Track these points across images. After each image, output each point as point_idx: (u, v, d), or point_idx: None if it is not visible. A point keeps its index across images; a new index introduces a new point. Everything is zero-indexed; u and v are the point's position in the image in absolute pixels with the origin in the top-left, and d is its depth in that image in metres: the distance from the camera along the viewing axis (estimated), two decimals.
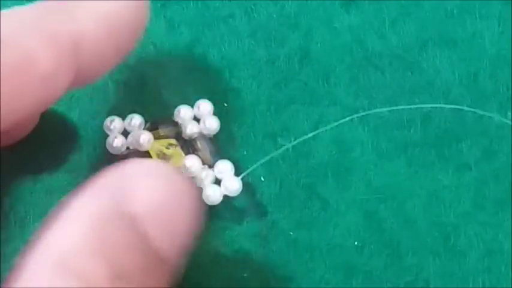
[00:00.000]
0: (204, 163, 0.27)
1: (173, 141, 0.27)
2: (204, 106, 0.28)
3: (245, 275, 0.26)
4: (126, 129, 0.28)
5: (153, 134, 0.27)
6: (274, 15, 0.29)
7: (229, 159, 0.27)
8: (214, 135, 0.28)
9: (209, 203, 0.27)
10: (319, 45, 0.29)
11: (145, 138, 0.27)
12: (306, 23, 0.29)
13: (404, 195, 0.27)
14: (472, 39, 0.29)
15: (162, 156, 0.27)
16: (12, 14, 0.21)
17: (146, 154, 0.27)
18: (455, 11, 0.29)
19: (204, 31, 0.29)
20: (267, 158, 0.27)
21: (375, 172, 0.27)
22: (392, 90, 0.28)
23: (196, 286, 0.26)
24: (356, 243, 0.27)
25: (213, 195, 0.27)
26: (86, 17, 0.21)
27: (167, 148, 0.27)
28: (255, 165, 0.27)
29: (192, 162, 0.27)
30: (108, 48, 0.22)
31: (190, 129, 0.28)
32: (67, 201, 0.20)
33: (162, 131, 0.27)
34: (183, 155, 0.27)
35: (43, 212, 0.24)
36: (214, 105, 0.28)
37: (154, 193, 0.20)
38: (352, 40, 0.29)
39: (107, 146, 0.27)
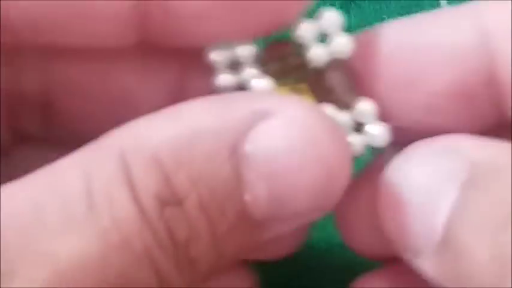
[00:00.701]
0: (339, 105, 0.21)
1: (302, 85, 0.21)
2: (331, 17, 0.21)
3: None
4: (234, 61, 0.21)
5: (271, 72, 0.20)
6: None
7: None
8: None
9: None
10: None
11: (262, 85, 0.20)
12: None
13: None
14: None
15: None
16: None
17: None
18: None
19: None
20: None
21: None
22: None
23: None
24: None
25: (353, 146, 0.21)
26: None
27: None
28: None
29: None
30: None
31: (317, 54, 0.20)
32: None
33: (279, 64, 0.21)
34: (315, 103, 0.21)
35: None
36: None
37: (277, 141, 0.18)
38: None
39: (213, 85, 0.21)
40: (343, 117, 0.20)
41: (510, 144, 0.19)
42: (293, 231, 0.19)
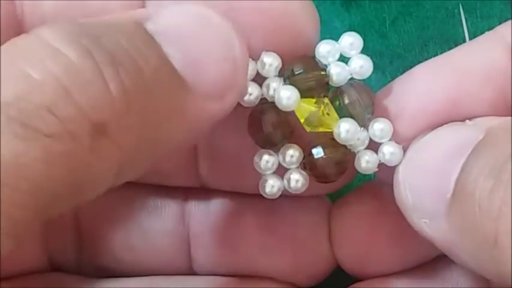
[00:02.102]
0: (357, 122, 0.21)
1: (325, 99, 0.21)
2: (350, 40, 0.22)
3: None
4: (259, 73, 0.21)
5: (296, 84, 0.21)
6: None
7: None
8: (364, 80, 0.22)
9: (362, 172, 0.22)
10: None
11: (287, 96, 0.21)
12: None
13: None
14: (473, 38, 0.29)
15: (313, 119, 0.21)
16: None
17: (286, 112, 0.21)
18: (456, 11, 0.29)
19: None
20: None
21: None
22: None
23: None
24: None
25: (367, 163, 0.22)
26: None
27: (319, 109, 0.21)
28: None
29: (347, 127, 0.21)
30: None
31: (337, 73, 0.21)
32: None
33: (301, 78, 0.21)
34: (337, 117, 0.21)
35: None
36: None
37: (175, 17, 0.19)
38: None
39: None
40: (360, 135, 0.21)
41: None
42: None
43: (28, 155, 0.16)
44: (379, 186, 0.24)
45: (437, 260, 0.24)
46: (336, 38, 0.27)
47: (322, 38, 0.30)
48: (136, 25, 0.19)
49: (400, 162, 0.21)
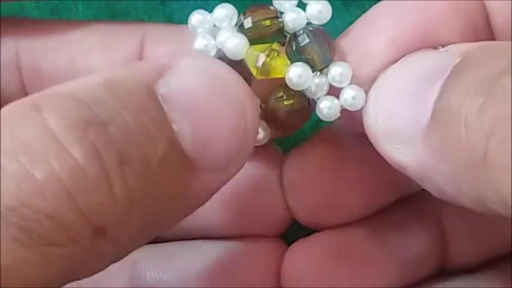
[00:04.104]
0: (314, 68, 0.21)
1: (275, 45, 0.21)
2: None
3: None
4: (215, 25, 0.21)
5: (248, 34, 0.21)
6: None
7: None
8: (324, 26, 0.21)
9: (324, 119, 0.21)
10: None
11: (236, 43, 0.20)
12: None
13: None
14: None
15: (261, 66, 0.20)
16: None
17: (239, 62, 0.21)
18: None
19: None
20: None
21: None
22: None
23: None
24: None
25: (328, 109, 0.21)
26: None
27: (268, 55, 0.21)
28: None
29: (298, 72, 0.20)
30: None
31: (293, 18, 0.21)
32: None
33: (255, 25, 0.21)
34: (288, 62, 0.21)
35: None
36: None
37: (187, 80, 0.19)
38: None
39: (192, 49, 0.21)
40: (318, 80, 0.21)
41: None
42: None
43: (27, 261, 0.16)
44: (334, 133, 0.23)
45: (393, 208, 0.24)
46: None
47: None
48: (148, 94, 0.18)
49: (363, 106, 0.20)
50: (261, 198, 0.24)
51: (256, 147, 0.21)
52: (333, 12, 0.23)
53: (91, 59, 0.23)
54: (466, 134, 0.17)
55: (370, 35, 0.21)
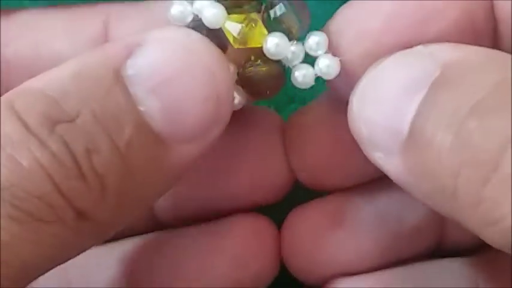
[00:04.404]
0: (291, 37, 0.21)
1: (253, 14, 0.21)
2: None
3: None
4: None
5: (225, 3, 0.21)
6: None
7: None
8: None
9: (299, 86, 0.22)
10: None
11: (213, 13, 0.21)
12: None
13: None
14: None
15: (239, 36, 0.21)
16: None
17: (216, 30, 0.21)
18: None
19: None
20: None
21: None
22: None
23: None
24: None
25: (303, 76, 0.21)
26: None
27: (246, 25, 0.21)
28: None
29: (275, 41, 0.21)
30: None
31: None
32: None
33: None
34: (265, 32, 0.21)
35: None
36: None
37: (154, 57, 0.19)
38: None
39: (168, 15, 0.21)
40: (294, 48, 0.21)
41: (481, 48, 0.19)
42: None
43: (22, 237, 0.17)
44: (335, 99, 0.23)
45: None
46: None
47: None
48: (114, 79, 0.19)
49: (336, 75, 0.21)
50: (264, 161, 0.25)
51: (256, 115, 0.22)
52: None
53: (56, 44, 0.23)
54: (440, 166, 0.18)
55: (368, 14, 0.21)
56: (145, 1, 0.24)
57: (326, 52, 0.21)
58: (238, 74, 0.22)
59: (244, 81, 0.22)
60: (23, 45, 0.23)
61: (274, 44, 0.21)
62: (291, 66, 0.22)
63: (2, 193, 0.17)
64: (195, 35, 0.20)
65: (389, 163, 0.20)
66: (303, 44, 0.21)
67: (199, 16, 0.21)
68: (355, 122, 0.20)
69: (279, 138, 0.25)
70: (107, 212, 0.19)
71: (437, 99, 0.18)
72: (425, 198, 0.19)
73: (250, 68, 0.22)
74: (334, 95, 0.23)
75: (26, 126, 0.18)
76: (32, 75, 0.21)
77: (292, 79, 0.22)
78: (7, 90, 0.20)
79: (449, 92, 0.18)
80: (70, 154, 0.18)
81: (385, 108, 0.19)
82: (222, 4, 0.21)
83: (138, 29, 0.22)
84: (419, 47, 0.20)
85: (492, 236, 0.17)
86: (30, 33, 0.23)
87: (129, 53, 0.19)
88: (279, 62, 0.22)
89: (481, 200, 0.17)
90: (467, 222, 0.18)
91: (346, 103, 0.21)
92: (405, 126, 0.19)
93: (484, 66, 0.19)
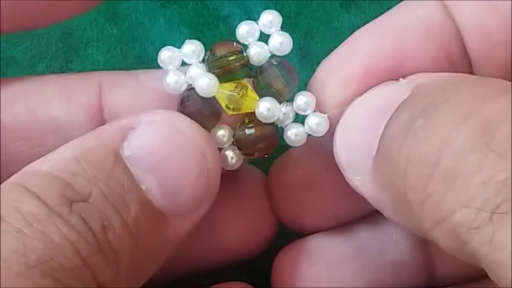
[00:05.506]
0: (281, 98, 0.22)
1: (244, 81, 0.22)
2: (269, 18, 0.22)
3: None
4: (184, 61, 0.22)
5: (215, 71, 0.22)
6: None
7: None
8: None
9: (292, 145, 0.23)
10: (319, 45, 0.28)
11: (206, 82, 0.22)
12: (306, 23, 0.29)
13: None
14: None
15: (231, 105, 0.22)
16: None
17: (210, 98, 0.22)
18: None
19: (204, 31, 0.29)
20: None
21: None
22: None
23: None
24: None
25: (295, 135, 0.22)
26: None
27: (237, 93, 0.22)
28: None
29: (267, 106, 0.22)
30: None
31: (257, 52, 0.22)
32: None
33: (221, 61, 0.22)
34: (257, 97, 0.22)
35: None
36: None
37: (148, 139, 0.20)
38: None
39: (163, 84, 0.22)
40: (285, 109, 0.22)
41: (454, 73, 0.21)
42: None
43: None
44: (319, 143, 0.24)
45: (375, 215, 0.25)
46: (336, 39, 0.27)
47: (323, 38, 0.30)
48: (115, 160, 0.20)
49: (326, 131, 0.22)
50: (250, 210, 0.26)
51: (239, 173, 0.23)
52: (332, 14, 0.23)
53: (51, 107, 0.24)
54: (393, 169, 0.19)
55: (349, 62, 0.22)
56: (135, 71, 0.25)
57: (314, 111, 0.22)
58: (234, 136, 0.23)
59: (239, 143, 0.23)
60: (19, 109, 0.24)
61: (265, 108, 0.22)
62: (283, 126, 0.23)
63: (41, 267, 0.18)
64: (184, 118, 0.21)
65: (365, 184, 0.21)
66: (292, 103, 0.22)
67: (193, 85, 0.22)
68: (337, 148, 0.21)
69: (262, 189, 0.26)
70: (120, 285, 0.20)
71: (400, 114, 0.20)
72: (392, 211, 0.20)
73: (244, 131, 0.22)
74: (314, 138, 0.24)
75: (46, 205, 0.19)
76: (27, 139, 0.22)
77: (285, 138, 0.23)
78: (3, 154, 0.22)
79: (410, 106, 0.19)
80: (90, 231, 0.19)
81: (361, 130, 0.21)
82: (214, 73, 0.22)
83: (129, 96, 0.23)
84: (400, 79, 0.21)
85: (443, 236, 0.18)
86: (27, 97, 0.24)
87: (124, 135, 0.21)
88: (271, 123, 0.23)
89: (427, 196, 0.18)
90: (422, 226, 0.18)
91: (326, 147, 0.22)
92: (376, 143, 0.20)
93: (444, 81, 0.20)
